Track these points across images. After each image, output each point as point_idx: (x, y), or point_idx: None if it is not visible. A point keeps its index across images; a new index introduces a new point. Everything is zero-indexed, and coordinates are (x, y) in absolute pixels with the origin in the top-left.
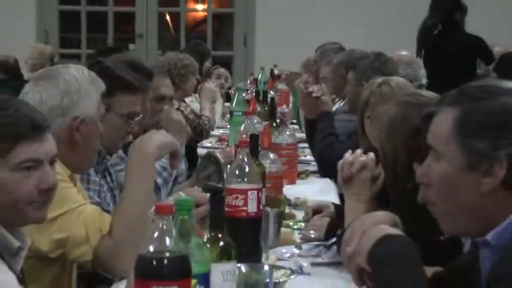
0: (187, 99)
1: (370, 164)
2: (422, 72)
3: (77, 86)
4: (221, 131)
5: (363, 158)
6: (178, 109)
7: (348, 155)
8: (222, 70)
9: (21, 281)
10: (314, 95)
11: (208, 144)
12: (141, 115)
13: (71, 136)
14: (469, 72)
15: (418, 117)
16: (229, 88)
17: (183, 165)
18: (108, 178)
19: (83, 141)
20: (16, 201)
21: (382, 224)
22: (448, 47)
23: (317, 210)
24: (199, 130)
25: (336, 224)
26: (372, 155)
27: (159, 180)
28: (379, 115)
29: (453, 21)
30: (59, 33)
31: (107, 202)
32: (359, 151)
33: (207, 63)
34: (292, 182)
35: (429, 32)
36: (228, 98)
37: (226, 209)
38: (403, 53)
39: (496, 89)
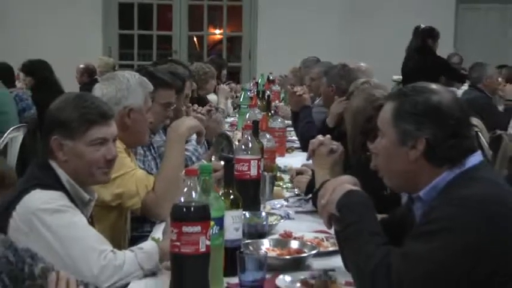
0: (208, 96)
1: (326, 141)
2: (374, 78)
3: (128, 85)
4: (232, 118)
5: (321, 137)
6: (195, 110)
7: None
8: (233, 85)
9: (90, 223)
10: (298, 93)
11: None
12: (175, 105)
13: (122, 120)
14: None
15: (371, 108)
16: (237, 97)
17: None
18: (152, 151)
19: (132, 125)
20: (89, 166)
21: (346, 184)
22: (419, 64)
23: (299, 172)
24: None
25: (312, 184)
26: (328, 136)
27: (193, 157)
28: (348, 106)
29: (426, 46)
30: (119, 49)
31: (150, 168)
32: (320, 136)
33: (224, 71)
34: (282, 155)
35: (410, 54)
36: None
37: (235, 172)
38: (362, 64)
39: (422, 88)
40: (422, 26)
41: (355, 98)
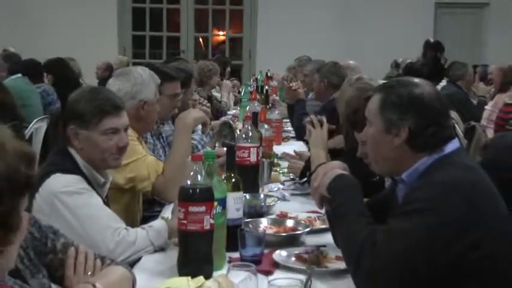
0: (212, 91)
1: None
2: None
3: (141, 80)
4: (234, 111)
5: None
6: (200, 103)
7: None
8: (235, 81)
9: (106, 203)
10: (293, 88)
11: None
12: (181, 96)
13: (137, 112)
14: None
15: (360, 99)
16: (239, 92)
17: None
18: (161, 139)
19: (146, 116)
20: (102, 153)
21: (336, 168)
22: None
23: (297, 153)
24: (220, 111)
25: (305, 170)
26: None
27: (199, 146)
28: (341, 99)
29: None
30: (132, 49)
31: (159, 155)
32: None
33: (228, 69)
34: (279, 143)
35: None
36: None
37: (236, 158)
38: (350, 62)
39: (406, 82)
40: (431, 40)
41: (348, 91)
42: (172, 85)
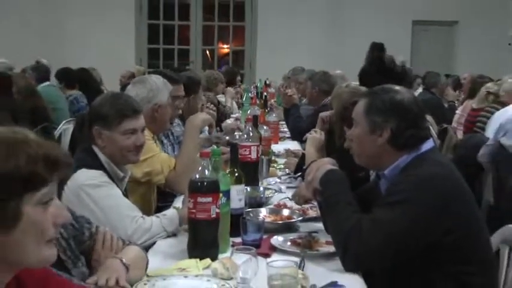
0: (218, 96)
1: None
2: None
3: (156, 86)
4: (237, 114)
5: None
6: (207, 107)
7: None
8: (238, 89)
9: (124, 195)
10: (288, 94)
11: (229, 121)
12: (185, 98)
13: (152, 114)
14: None
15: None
16: (241, 98)
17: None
18: (170, 137)
19: (159, 118)
20: (122, 150)
21: (327, 164)
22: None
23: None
24: (224, 114)
25: (300, 166)
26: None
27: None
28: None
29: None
30: (147, 60)
31: (167, 152)
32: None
33: (238, 78)
34: (276, 143)
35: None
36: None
37: (239, 156)
38: (338, 71)
39: (388, 89)
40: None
41: (342, 93)
42: (175, 88)
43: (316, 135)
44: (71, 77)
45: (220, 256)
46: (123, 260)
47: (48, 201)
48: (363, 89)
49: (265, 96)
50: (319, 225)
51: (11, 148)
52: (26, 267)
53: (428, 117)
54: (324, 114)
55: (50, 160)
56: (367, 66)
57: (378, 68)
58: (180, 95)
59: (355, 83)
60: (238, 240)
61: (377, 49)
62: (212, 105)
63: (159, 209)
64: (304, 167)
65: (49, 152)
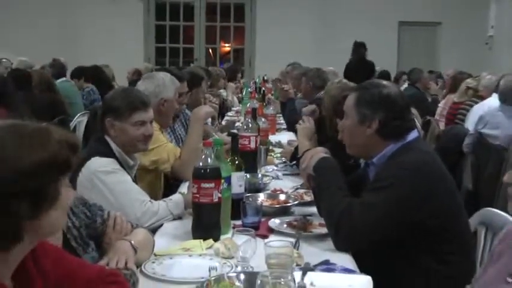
0: (220, 91)
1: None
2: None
3: (163, 82)
4: (237, 107)
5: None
6: (210, 101)
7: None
8: (238, 84)
9: (134, 181)
10: (285, 89)
11: (230, 114)
12: (188, 94)
13: (159, 108)
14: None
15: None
16: (241, 92)
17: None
18: (171, 134)
19: (165, 111)
20: (132, 140)
21: (320, 152)
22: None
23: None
24: (225, 107)
25: (295, 155)
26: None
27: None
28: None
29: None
30: (155, 58)
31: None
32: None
33: (239, 74)
34: (273, 134)
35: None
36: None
37: (239, 145)
38: (330, 68)
39: (377, 83)
40: (358, 41)
41: (333, 89)
42: (180, 85)
43: (305, 125)
44: (85, 74)
45: (222, 237)
46: (132, 242)
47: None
48: (351, 84)
49: (263, 90)
50: (313, 209)
51: (43, 137)
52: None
53: (413, 110)
54: (306, 109)
55: (71, 145)
56: (352, 62)
57: (358, 62)
58: (184, 91)
59: (345, 79)
60: (238, 222)
61: (359, 47)
62: (215, 99)
63: (166, 195)
64: (298, 156)
65: (69, 138)
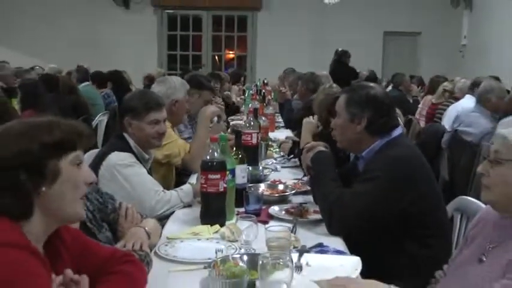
0: (225, 93)
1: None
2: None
3: (174, 85)
4: (242, 108)
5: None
6: (216, 102)
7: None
8: (241, 86)
9: (149, 173)
10: (282, 91)
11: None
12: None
13: (171, 108)
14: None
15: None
16: (244, 93)
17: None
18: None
19: (177, 111)
20: (147, 137)
21: (319, 146)
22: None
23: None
24: (232, 108)
25: (292, 149)
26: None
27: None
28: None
29: (342, 61)
30: (167, 64)
31: None
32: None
33: (242, 78)
34: (272, 131)
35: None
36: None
37: (242, 141)
38: (324, 72)
39: (364, 85)
40: (340, 49)
41: (320, 95)
42: (206, 93)
43: (310, 120)
44: (102, 78)
45: (227, 223)
46: (146, 228)
47: (79, 163)
48: (335, 90)
49: (263, 92)
50: (309, 198)
51: (51, 126)
52: (63, 220)
53: (397, 110)
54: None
55: (76, 131)
56: (336, 66)
57: (343, 68)
58: (209, 99)
59: (335, 84)
60: (241, 209)
61: (338, 54)
62: (220, 100)
63: (177, 185)
64: (301, 147)
65: (74, 126)
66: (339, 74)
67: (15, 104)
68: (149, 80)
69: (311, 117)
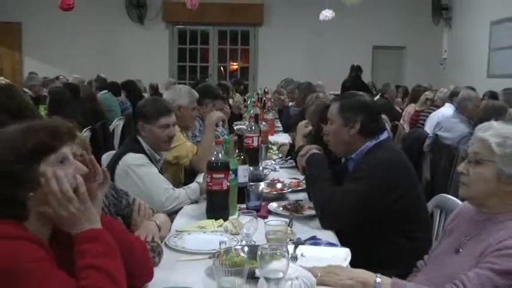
0: (230, 100)
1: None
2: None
3: (179, 92)
4: (244, 114)
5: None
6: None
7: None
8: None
9: (160, 173)
10: (281, 99)
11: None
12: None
13: (175, 113)
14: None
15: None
16: (245, 101)
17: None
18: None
19: (182, 116)
20: (158, 140)
21: (313, 149)
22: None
23: (283, 143)
24: (236, 114)
25: (290, 151)
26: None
27: (220, 135)
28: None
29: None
30: (177, 74)
31: None
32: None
33: (242, 86)
34: (272, 135)
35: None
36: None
37: (244, 143)
38: (319, 82)
39: (354, 93)
40: (355, 64)
41: (310, 106)
42: (219, 102)
43: (301, 126)
44: (117, 87)
45: (230, 217)
46: (157, 222)
47: (63, 160)
48: (323, 100)
49: (264, 100)
50: (304, 195)
51: (24, 134)
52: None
53: (384, 116)
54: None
55: (53, 133)
56: (348, 80)
57: (353, 81)
58: (223, 107)
59: (322, 94)
60: (243, 205)
61: (355, 69)
62: (226, 106)
63: (185, 183)
64: (295, 150)
65: (52, 128)
66: (356, 88)
67: (42, 110)
68: (153, 89)
69: (303, 122)
